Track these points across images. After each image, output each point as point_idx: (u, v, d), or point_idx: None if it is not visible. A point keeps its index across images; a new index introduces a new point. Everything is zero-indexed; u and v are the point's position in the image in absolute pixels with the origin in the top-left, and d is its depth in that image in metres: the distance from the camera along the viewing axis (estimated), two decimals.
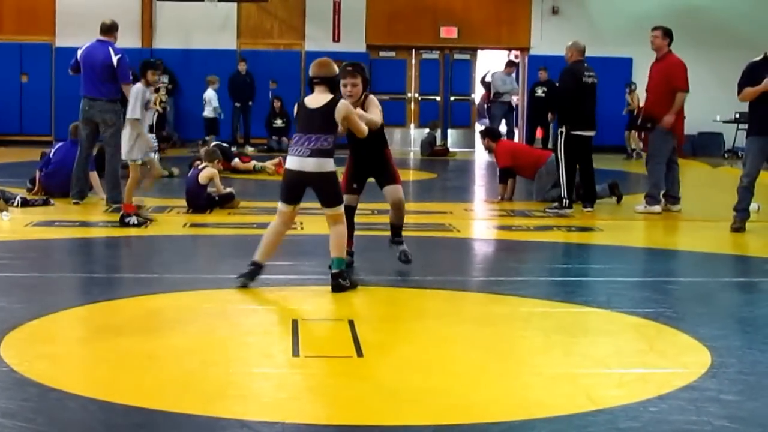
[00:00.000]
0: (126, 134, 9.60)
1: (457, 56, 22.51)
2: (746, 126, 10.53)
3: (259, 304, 6.41)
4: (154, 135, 14.17)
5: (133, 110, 9.46)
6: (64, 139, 12.24)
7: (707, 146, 21.12)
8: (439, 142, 21.23)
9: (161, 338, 5.51)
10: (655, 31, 11.45)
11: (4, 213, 9.98)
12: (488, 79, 21.87)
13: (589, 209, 11.23)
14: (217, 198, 10.73)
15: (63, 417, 4.16)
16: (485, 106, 22.52)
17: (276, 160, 15.12)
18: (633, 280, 7.52)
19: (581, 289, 7.15)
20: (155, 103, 9.75)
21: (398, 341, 5.67)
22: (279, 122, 20.58)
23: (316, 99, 6.66)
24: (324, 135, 6.57)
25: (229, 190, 11.03)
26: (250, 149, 19.75)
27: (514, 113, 21.77)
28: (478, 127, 21.12)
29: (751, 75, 9.85)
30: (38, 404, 4.26)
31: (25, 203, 10.68)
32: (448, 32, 21.96)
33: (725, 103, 18.29)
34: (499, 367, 5.08)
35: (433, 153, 20.29)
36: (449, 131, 22.43)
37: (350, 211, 7.26)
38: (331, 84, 6.71)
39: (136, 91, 9.53)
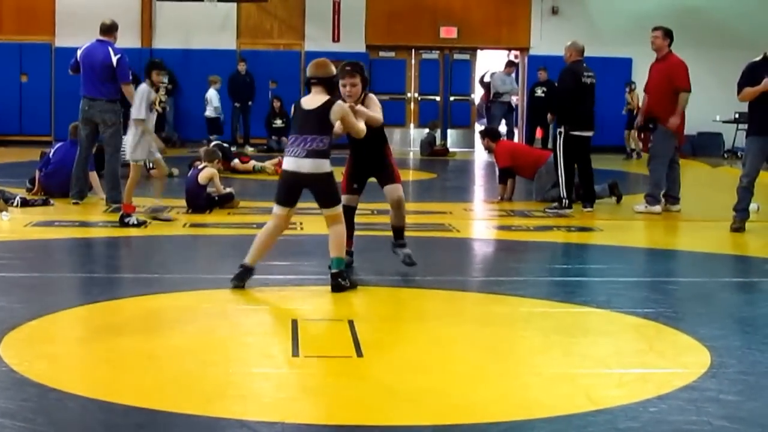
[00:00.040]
0: (130, 134, 9.59)
1: (456, 56, 22.51)
2: (746, 126, 10.53)
3: (259, 304, 6.41)
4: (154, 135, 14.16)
5: (138, 111, 9.46)
6: (64, 139, 12.24)
7: (707, 146, 21.10)
8: (438, 142, 21.23)
9: (161, 338, 5.51)
10: (656, 32, 11.45)
11: (4, 213, 9.98)
12: (488, 79, 21.88)
13: (589, 209, 11.24)
14: (216, 198, 10.73)
15: (62, 417, 4.16)
16: (485, 106, 22.50)
17: (275, 160, 15.11)
18: (633, 280, 7.52)
19: (581, 289, 7.14)
20: (155, 104, 9.73)
21: (398, 341, 5.67)
22: (278, 122, 20.56)
23: (313, 100, 6.65)
24: (320, 136, 6.56)
25: (228, 190, 11.03)
26: (249, 149, 19.76)
27: (514, 113, 21.77)
28: (478, 127, 21.13)
29: (750, 75, 9.86)
30: (38, 404, 4.26)
31: (24, 203, 10.67)
32: (448, 32, 21.96)
33: (725, 103, 18.29)
34: (498, 368, 5.08)
35: (432, 153, 20.28)
36: (449, 131, 22.42)
37: (350, 212, 7.24)
38: (329, 84, 6.70)
39: (141, 92, 9.51)
